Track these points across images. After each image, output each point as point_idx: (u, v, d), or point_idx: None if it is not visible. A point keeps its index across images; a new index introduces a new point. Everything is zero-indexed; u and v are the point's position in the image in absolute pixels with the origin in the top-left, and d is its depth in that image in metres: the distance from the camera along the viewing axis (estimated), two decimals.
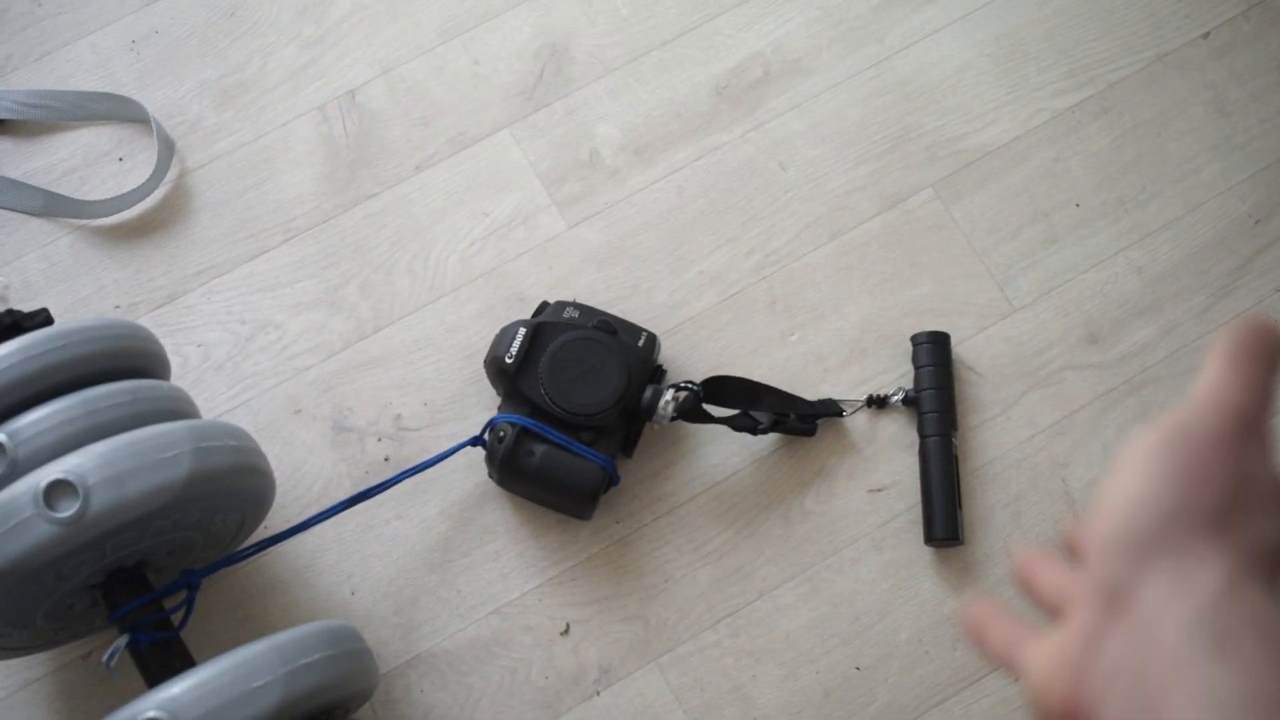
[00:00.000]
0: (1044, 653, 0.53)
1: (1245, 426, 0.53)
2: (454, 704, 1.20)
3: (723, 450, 1.26)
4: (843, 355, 1.28)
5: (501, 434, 1.19)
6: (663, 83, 1.37)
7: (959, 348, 1.27)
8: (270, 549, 1.19)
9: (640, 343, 1.22)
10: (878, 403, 1.26)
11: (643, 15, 1.39)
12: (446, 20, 1.40)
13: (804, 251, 1.31)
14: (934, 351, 1.25)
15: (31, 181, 1.34)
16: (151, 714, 0.95)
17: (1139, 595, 0.50)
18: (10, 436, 1.00)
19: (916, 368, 1.26)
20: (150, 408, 1.06)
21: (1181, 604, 0.48)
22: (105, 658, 1.04)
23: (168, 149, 1.34)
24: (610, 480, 1.20)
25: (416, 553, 1.24)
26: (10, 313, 1.12)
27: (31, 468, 0.99)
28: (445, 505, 1.25)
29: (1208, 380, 0.55)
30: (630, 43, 1.38)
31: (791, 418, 1.23)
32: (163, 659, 1.07)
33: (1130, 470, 0.53)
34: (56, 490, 0.96)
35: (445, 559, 1.24)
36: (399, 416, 1.27)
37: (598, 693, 1.20)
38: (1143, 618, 0.49)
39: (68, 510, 0.96)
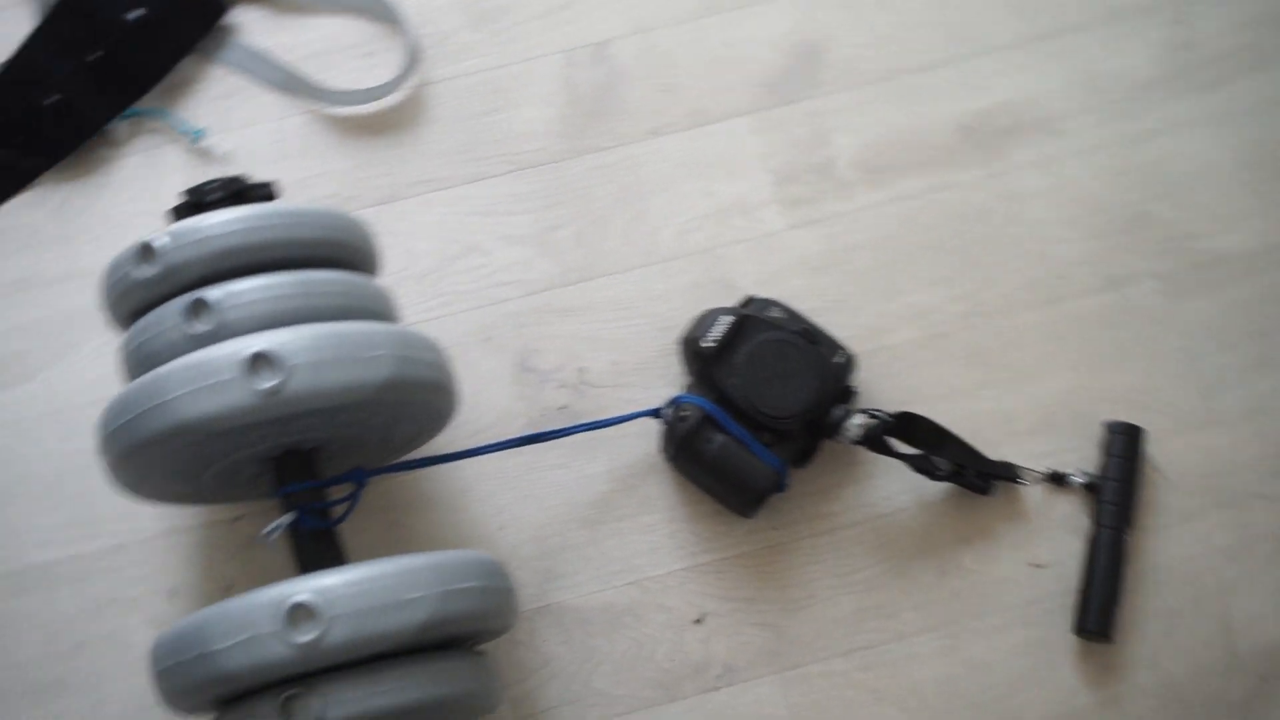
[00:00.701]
0: None
1: None
2: (574, 661, 1.20)
3: (893, 485, 1.24)
4: (1032, 422, 1.26)
5: (685, 414, 1.18)
6: (910, 107, 1.36)
7: (1151, 445, 1.25)
8: (433, 465, 1.19)
9: (838, 359, 1.21)
10: (1058, 479, 1.24)
11: (905, 36, 1.38)
12: None
13: (1015, 310, 1.29)
14: (1125, 443, 1.23)
15: (277, 56, 1.35)
16: (305, 599, 0.95)
17: None
18: (225, 297, 1.01)
19: (1105, 455, 1.24)
20: (360, 304, 1.07)
21: None
22: (268, 530, 1.05)
23: (414, 56, 1.34)
24: (779, 485, 1.19)
25: (572, 505, 1.24)
26: (239, 180, 1.13)
27: (238, 333, 1.00)
28: (611, 467, 1.24)
29: None
30: (886, 60, 1.37)
31: (970, 472, 1.22)
32: (317, 547, 1.08)
33: None
34: (260, 361, 0.97)
35: (599, 518, 1.23)
36: (584, 370, 1.27)
37: (717, 688, 1.20)
38: None
39: (266, 383, 0.96)
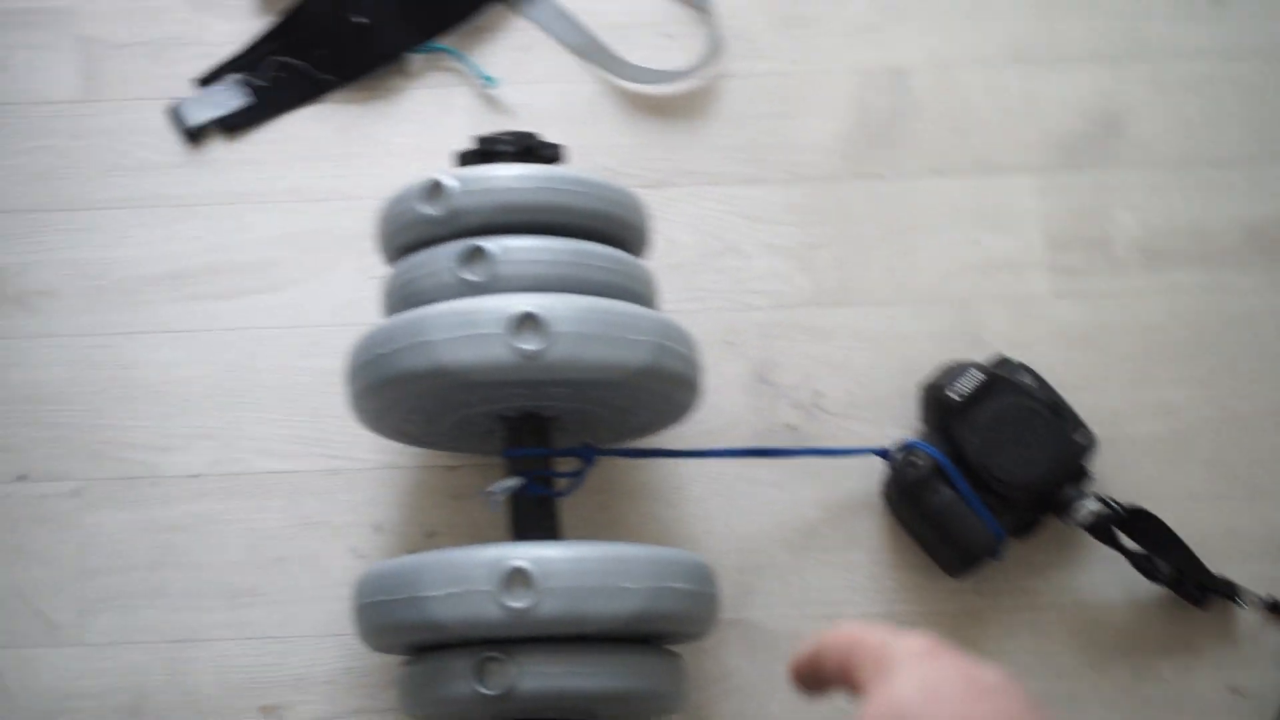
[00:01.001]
0: None
1: None
2: (755, 681, 1.20)
3: (1105, 576, 1.22)
4: (1262, 545, 1.23)
5: (916, 461, 1.17)
6: (1201, 199, 1.33)
7: None
8: (658, 458, 1.20)
9: (1080, 438, 1.19)
10: (1278, 609, 1.21)
11: (1211, 125, 1.35)
12: (1021, 44, 1.38)
13: (1268, 428, 1.26)
14: None
15: (582, 20, 1.36)
16: (525, 565, 0.96)
17: None
18: (501, 252, 1.02)
19: None
20: (630, 285, 1.07)
21: None
22: (495, 488, 1.06)
23: (716, 46, 1.35)
24: (995, 553, 1.17)
25: (781, 526, 1.23)
26: (534, 136, 1.14)
27: (508, 289, 1.01)
28: (825, 496, 1.24)
29: None
30: (1186, 146, 1.34)
31: (1189, 582, 1.19)
32: (537, 516, 1.09)
33: None
34: (526, 322, 0.98)
35: (804, 545, 1.23)
36: (819, 393, 1.27)
37: None
38: None
39: (529, 345, 0.97)
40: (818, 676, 0.62)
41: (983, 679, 0.54)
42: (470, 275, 1.02)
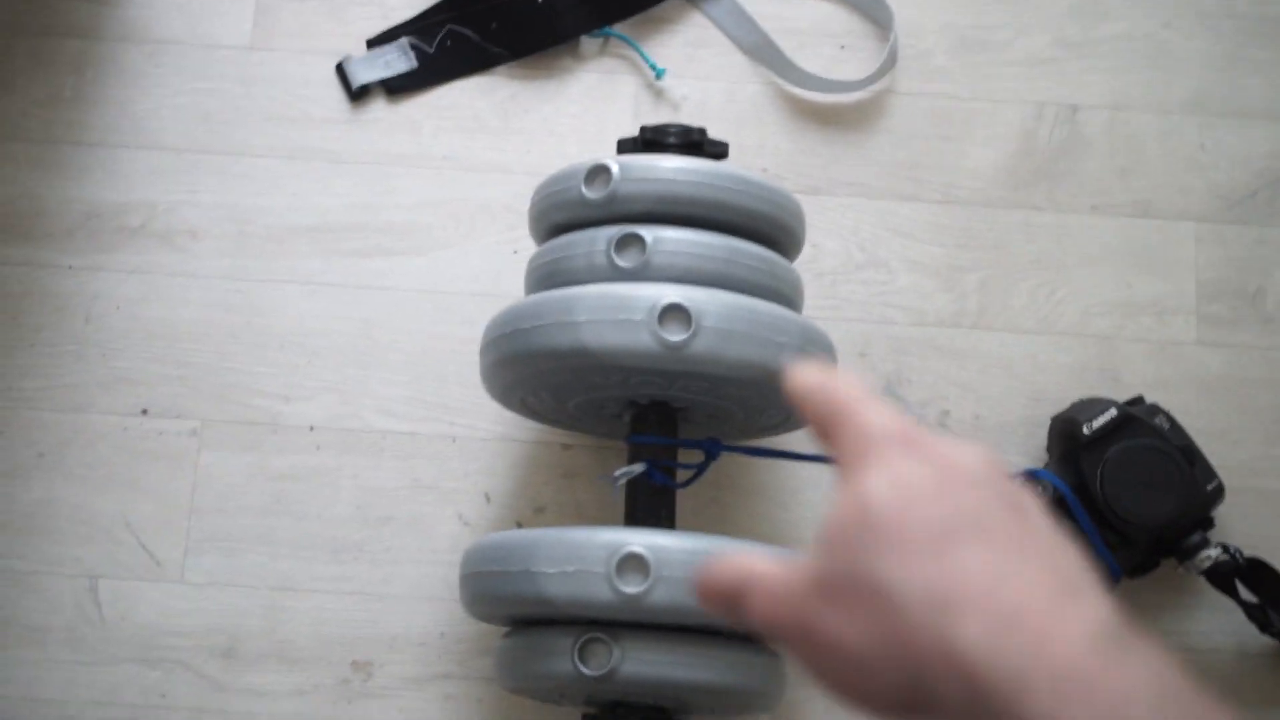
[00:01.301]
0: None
1: None
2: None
3: (1215, 623, 1.21)
4: None
5: (1040, 490, 1.16)
6: None
7: None
8: (781, 459, 1.19)
9: (1209, 487, 1.17)
10: None
11: None
12: (1200, 94, 1.36)
13: None
14: None
15: (759, 21, 1.35)
16: (640, 551, 0.96)
17: None
18: (655, 241, 1.02)
19: None
20: (776, 285, 1.07)
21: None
22: (619, 474, 1.06)
23: (890, 62, 1.34)
24: (1107, 590, 1.15)
25: None
26: (701, 131, 1.14)
27: (658, 278, 1.01)
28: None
29: None
30: None
31: None
32: (655, 503, 1.09)
33: None
34: (673, 313, 0.98)
35: None
36: (947, 413, 1.26)
37: None
38: None
39: (673, 335, 0.97)
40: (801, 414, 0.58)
41: (960, 469, 0.50)
42: (622, 261, 1.02)
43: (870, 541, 0.48)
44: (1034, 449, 1.24)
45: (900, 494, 0.49)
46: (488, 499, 1.24)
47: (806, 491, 1.24)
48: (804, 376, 0.56)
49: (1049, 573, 0.47)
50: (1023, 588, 0.46)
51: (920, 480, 0.49)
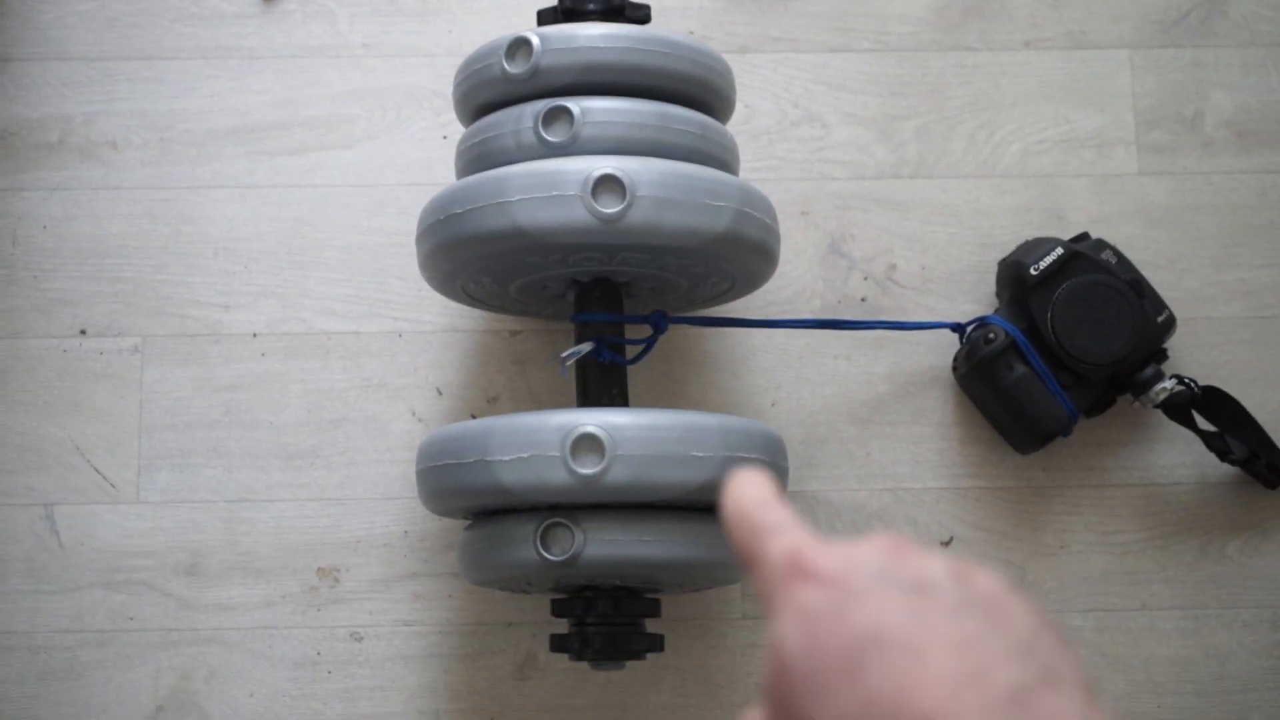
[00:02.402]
0: None
1: None
2: None
3: (1176, 456, 1.21)
4: None
5: (991, 336, 1.15)
6: None
7: None
8: (729, 327, 1.18)
9: (1160, 319, 1.17)
10: None
11: None
12: None
13: None
14: None
15: None
16: (594, 431, 0.95)
17: None
18: (583, 113, 1.00)
19: None
20: (711, 150, 1.05)
21: None
22: (565, 355, 1.05)
23: None
24: (1067, 430, 1.16)
25: (848, 399, 1.22)
26: None
27: (589, 151, 1.00)
28: (895, 370, 1.22)
29: None
30: None
31: (1261, 463, 1.18)
32: (606, 381, 1.08)
33: None
34: (606, 184, 0.96)
35: (871, 418, 1.22)
36: (894, 266, 1.24)
37: None
38: None
39: (608, 208, 0.96)
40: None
41: (854, 577, 0.46)
42: (551, 136, 1.00)
43: (790, 689, 0.46)
44: (984, 295, 1.23)
45: (803, 630, 0.46)
46: (439, 392, 1.22)
47: (758, 357, 1.23)
48: (729, 503, 0.53)
49: (964, 654, 0.44)
50: (936, 689, 0.42)
51: (818, 607, 0.46)
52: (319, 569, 1.19)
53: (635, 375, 1.19)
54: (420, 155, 1.26)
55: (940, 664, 0.42)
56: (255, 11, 1.30)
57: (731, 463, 0.98)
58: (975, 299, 1.24)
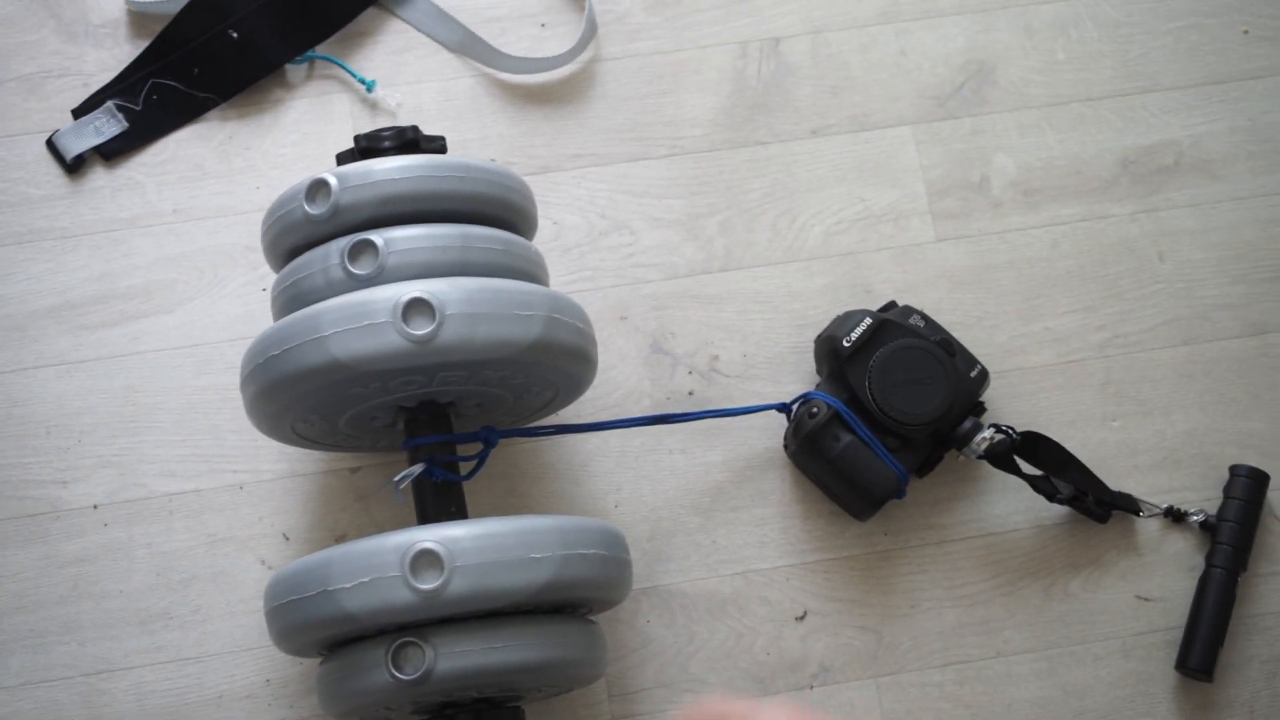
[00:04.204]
0: None
1: None
2: (673, 644, 1.21)
3: (1009, 504, 1.24)
4: (1156, 458, 1.26)
5: (815, 410, 1.19)
6: (1074, 136, 1.35)
7: (1273, 494, 1.24)
8: (557, 436, 1.21)
9: (973, 374, 1.21)
10: (1176, 516, 1.23)
11: (1078, 65, 1.38)
12: (889, 3, 1.39)
13: (1154, 345, 1.29)
14: (1249, 488, 1.23)
15: (457, 17, 1.36)
16: (431, 546, 0.96)
17: None
18: (386, 243, 1.03)
19: (1226, 497, 1.23)
20: (517, 264, 1.08)
21: None
22: (398, 478, 1.06)
23: (591, 31, 1.36)
24: (899, 492, 1.19)
25: (687, 491, 1.24)
26: (414, 130, 1.14)
27: (396, 278, 1.02)
28: (730, 457, 1.25)
29: None
30: (1056, 87, 1.37)
31: (1089, 499, 1.22)
32: (443, 500, 1.09)
33: None
34: (415, 307, 0.98)
35: (712, 506, 1.24)
36: (716, 358, 1.28)
37: (811, 687, 1.20)
38: None
39: (420, 330, 0.98)
40: None
41: None
42: (358, 269, 1.02)
43: None
44: (806, 373, 1.27)
45: None
46: (286, 538, 1.23)
47: (596, 461, 1.25)
48: None
49: None
50: None
51: None
52: None
53: (476, 495, 1.20)
54: (241, 310, 1.28)
55: None
56: (64, 192, 1.31)
57: (570, 560, 0.99)
58: (798, 378, 1.27)
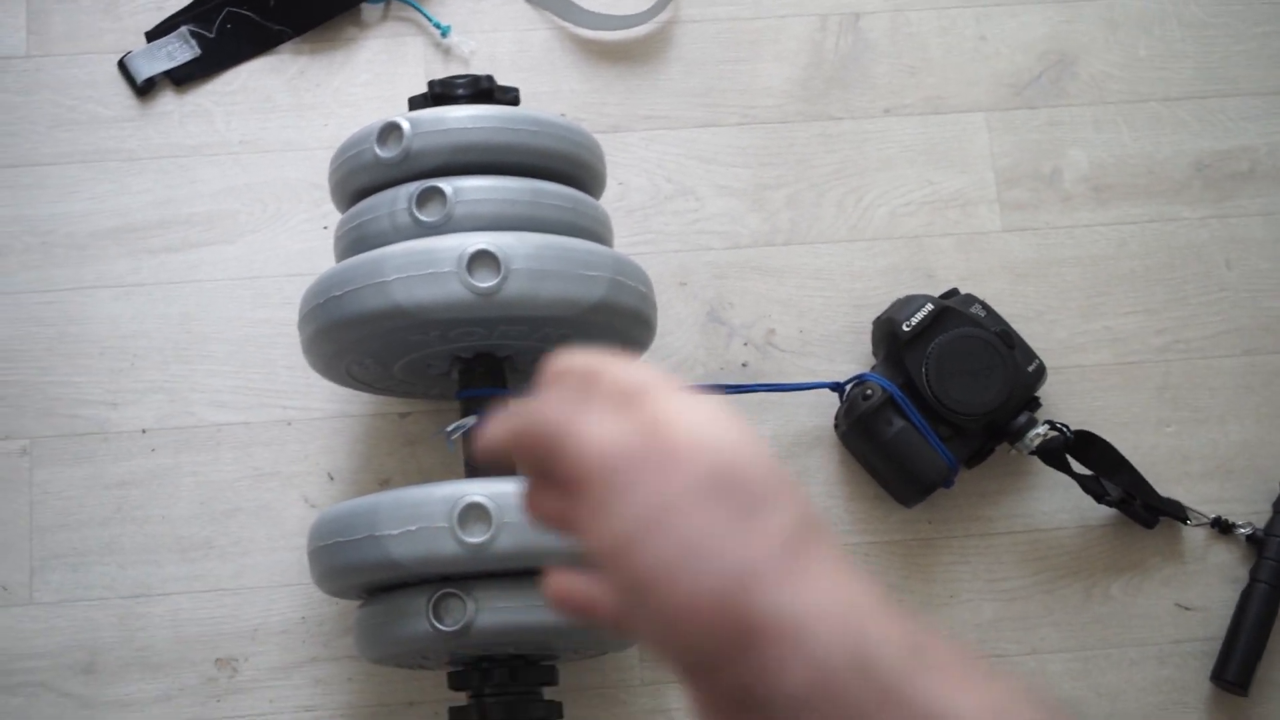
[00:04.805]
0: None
1: None
2: None
3: (1056, 502, 1.24)
4: (1208, 467, 1.25)
5: (869, 392, 1.18)
6: (1149, 135, 1.34)
7: None
8: None
9: (1031, 368, 1.20)
10: (1223, 526, 1.23)
11: (1159, 64, 1.36)
12: None
13: (1215, 353, 1.28)
14: None
15: None
16: (480, 500, 0.97)
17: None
18: (455, 192, 1.02)
19: (1275, 511, 1.22)
20: (584, 223, 1.08)
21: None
22: (450, 429, 1.07)
23: None
24: (948, 481, 1.18)
25: None
26: (489, 79, 1.14)
27: (464, 229, 1.02)
28: (779, 432, 1.25)
29: None
30: (1136, 84, 1.35)
31: (1137, 503, 1.21)
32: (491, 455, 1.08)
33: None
34: (481, 259, 0.98)
35: None
36: (772, 331, 1.27)
37: None
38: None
39: (484, 282, 0.98)
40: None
41: (685, 466, 0.49)
42: (425, 216, 1.02)
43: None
44: (861, 354, 1.26)
45: (650, 523, 0.49)
46: (331, 478, 1.23)
47: None
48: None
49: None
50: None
51: (672, 501, 0.50)
52: (217, 660, 1.19)
53: None
54: (301, 246, 1.28)
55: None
56: (133, 114, 1.31)
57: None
58: (853, 359, 1.27)
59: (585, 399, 0.52)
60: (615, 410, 0.51)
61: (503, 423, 0.56)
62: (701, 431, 0.50)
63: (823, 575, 0.47)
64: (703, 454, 0.49)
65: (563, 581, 0.55)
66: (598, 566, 0.51)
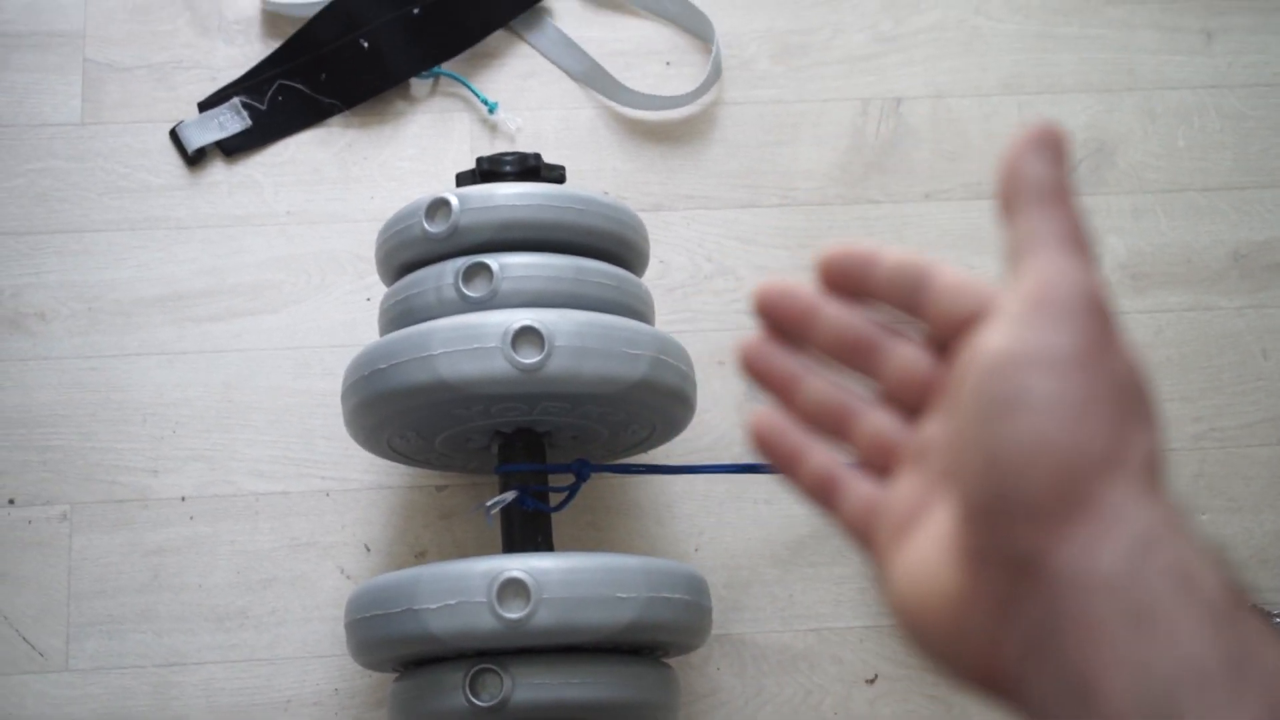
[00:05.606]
0: (923, 590, 0.48)
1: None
2: (742, 694, 1.21)
3: None
4: (1242, 556, 1.25)
5: None
6: (1187, 224, 1.35)
7: None
8: (651, 474, 1.21)
9: None
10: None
11: (1197, 154, 1.37)
12: (1014, 75, 1.40)
13: (1250, 443, 1.28)
14: None
15: (585, 47, 1.37)
16: (519, 575, 0.97)
17: (1051, 563, 0.44)
18: (501, 268, 1.03)
19: None
20: (627, 301, 1.09)
21: (1096, 572, 0.43)
22: (490, 503, 1.07)
23: (715, 74, 1.36)
24: None
25: (769, 542, 1.24)
26: (537, 157, 1.15)
27: (509, 305, 1.02)
28: (814, 512, 1.24)
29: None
30: (1174, 174, 1.37)
31: None
32: (530, 529, 1.09)
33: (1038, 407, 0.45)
34: (526, 336, 0.99)
35: (792, 560, 1.24)
36: None
37: None
38: (1057, 587, 0.44)
39: (528, 359, 0.98)
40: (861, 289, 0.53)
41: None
42: (471, 291, 1.03)
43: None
44: None
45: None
46: (367, 549, 1.24)
47: (681, 503, 1.25)
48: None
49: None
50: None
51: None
52: None
53: (561, 525, 1.21)
54: (344, 317, 1.29)
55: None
56: (182, 183, 1.33)
57: (655, 602, 1.00)
58: None
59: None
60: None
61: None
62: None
63: (1163, 499, 0.46)
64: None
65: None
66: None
